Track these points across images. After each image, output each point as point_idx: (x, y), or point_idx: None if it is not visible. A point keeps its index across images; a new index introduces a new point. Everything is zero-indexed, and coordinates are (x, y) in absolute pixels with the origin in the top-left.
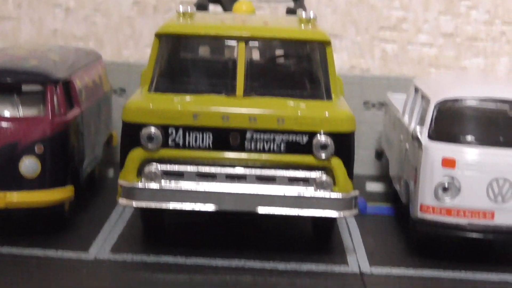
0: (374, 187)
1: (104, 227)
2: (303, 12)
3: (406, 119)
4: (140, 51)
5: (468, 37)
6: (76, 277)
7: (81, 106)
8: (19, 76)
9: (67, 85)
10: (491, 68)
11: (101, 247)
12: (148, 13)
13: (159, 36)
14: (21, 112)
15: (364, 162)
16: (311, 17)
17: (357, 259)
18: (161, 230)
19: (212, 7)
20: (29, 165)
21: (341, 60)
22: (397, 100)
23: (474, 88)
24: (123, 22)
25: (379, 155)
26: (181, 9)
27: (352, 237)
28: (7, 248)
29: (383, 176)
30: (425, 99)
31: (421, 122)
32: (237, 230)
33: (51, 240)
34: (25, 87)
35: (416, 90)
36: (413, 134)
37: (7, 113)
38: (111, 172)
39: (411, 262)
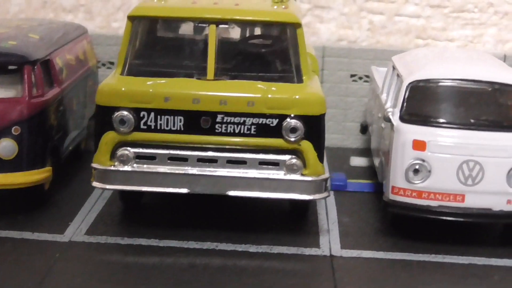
0: (358, 161)
1: (84, 206)
2: None
3: (384, 97)
4: None
5: (455, 8)
6: (49, 259)
7: (61, 85)
8: None
9: (46, 65)
10: (478, 39)
11: (77, 229)
12: None
13: (132, 19)
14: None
15: (350, 135)
16: None
17: (330, 241)
18: (140, 210)
19: None
20: (6, 147)
21: (328, 32)
22: (380, 74)
23: (448, 68)
24: None
25: (364, 128)
26: None
27: (329, 217)
28: None
29: (368, 150)
30: (399, 78)
31: (395, 102)
32: (213, 211)
33: (30, 221)
34: (3, 68)
35: (394, 68)
36: (385, 115)
37: None
38: None
39: (383, 244)
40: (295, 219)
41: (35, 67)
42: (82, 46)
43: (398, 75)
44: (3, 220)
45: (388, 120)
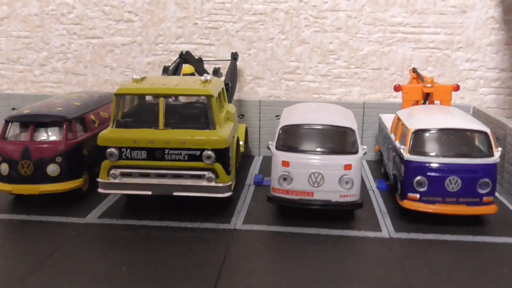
0: None
1: (103, 201)
2: (204, 75)
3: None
4: None
5: (335, 76)
6: (69, 234)
7: (93, 131)
8: None
9: (81, 120)
10: (349, 94)
11: (93, 215)
12: None
13: (116, 95)
14: None
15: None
16: (208, 79)
17: (237, 219)
18: (136, 201)
19: None
20: (52, 169)
21: (263, 92)
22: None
23: (303, 117)
24: None
25: None
26: (135, 76)
27: (244, 202)
28: (34, 216)
29: None
30: (280, 123)
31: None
32: (171, 205)
33: (68, 210)
34: (52, 124)
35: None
36: (268, 146)
37: None
38: None
39: (268, 221)
40: (221, 207)
41: (71, 122)
42: None
43: (280, 121)
44: (54, 209)
45: (268, 148)
